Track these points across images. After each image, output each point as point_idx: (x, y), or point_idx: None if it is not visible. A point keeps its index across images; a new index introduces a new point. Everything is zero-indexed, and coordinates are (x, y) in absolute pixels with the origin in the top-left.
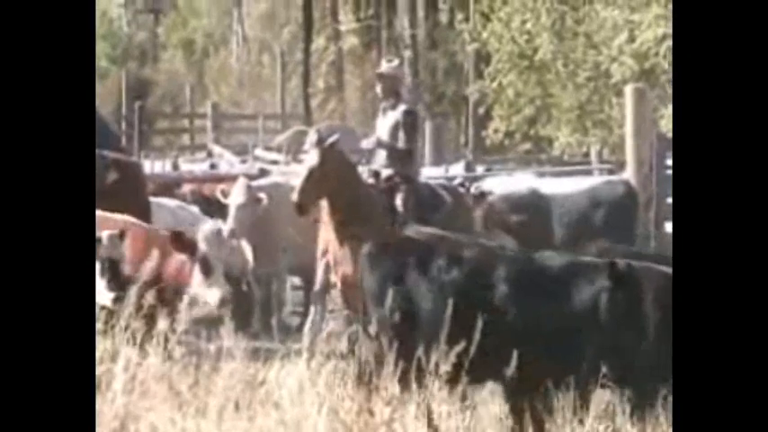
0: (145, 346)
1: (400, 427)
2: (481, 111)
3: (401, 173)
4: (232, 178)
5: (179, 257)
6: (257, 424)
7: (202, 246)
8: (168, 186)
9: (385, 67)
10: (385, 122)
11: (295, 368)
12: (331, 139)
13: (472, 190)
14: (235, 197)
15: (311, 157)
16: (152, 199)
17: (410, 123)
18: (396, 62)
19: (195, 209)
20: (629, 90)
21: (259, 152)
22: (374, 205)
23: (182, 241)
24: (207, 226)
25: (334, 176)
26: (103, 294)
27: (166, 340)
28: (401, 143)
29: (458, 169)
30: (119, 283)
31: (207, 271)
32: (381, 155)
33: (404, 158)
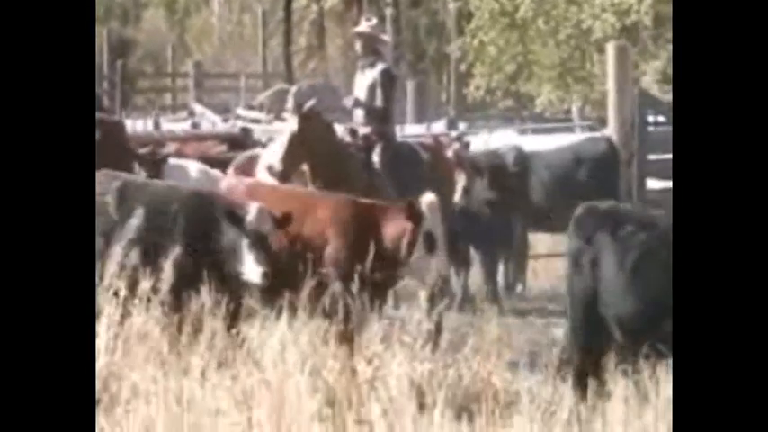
0: (127, 305)
1: (382, 385)
2: (463, 68)
3: (378, 131)
4: (213, 137)
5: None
6: (240, 383)
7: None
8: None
9: (363, 25)
10: (362, 81)
11: (277, 327)
12: (308, 104)
13: (454, 146)
14: None
15: (290, 124)
16: (174, 161)
17: (387, 82)
18: (374, 20)
19: (217, 172)
20: (610, 47)
21: (241, 111)
22: (352, 165)
23: (412, 211)
24: (429, 197)
25: (313, 141)
26: (252, 270)
27: (149, 300)
28: (378, 102)
29: (440, 127)
30: (267, 257)
31: (431, 245)
32: (359, 113)
33: (381, 117)
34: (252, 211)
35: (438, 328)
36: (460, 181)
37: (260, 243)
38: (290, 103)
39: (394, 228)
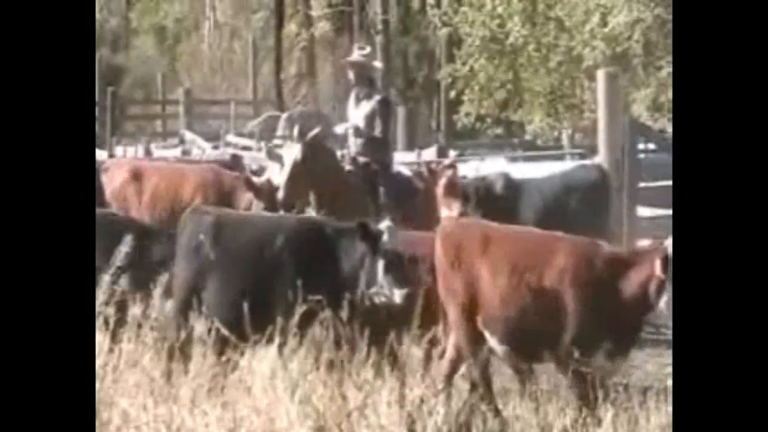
0: (117, 332)
1: (373, 412)
2: (453, 95)
3: (378, 160)
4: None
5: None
6: (229, 410)
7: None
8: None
9: (356, 55)
10: (359, 111)
11: (267, 354)
12: (313, 132)
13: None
14: None
15: (293, 152)
16: None
17: (386, 112)
18: (367, 50)
19: None
20: (600, 74)
21: (231, 138)
22: (358, 194)
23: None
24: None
25: (318, 169)
26: (392, 293)
27: (139, 326)
28: (377, 132)
29: (430, 154)
30: (405, 277)
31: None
32: (357, 142)
33: (380, 146)
34: (384, 229)
35: (428, 356)
36: (454, 210)
37: (398, 263)
38: (280, 131)
39: (639, 274)
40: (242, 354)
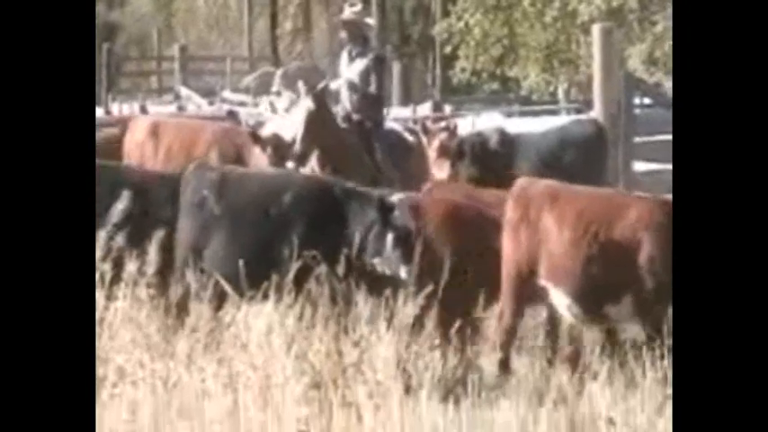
0: (113, 288)
1: (369, 368)
2: (448, 51)
3: (371, 117)
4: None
5: None
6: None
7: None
8: None
9: (348, 12)
10: (354, 68)
11: (262, 310)
12: (321, 85)
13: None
14: None
15: (306, 104)
16: None
17: (380, 69)
18: (358, 5)
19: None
20: (596, 29)
21: (227, 94)
22: (357, 151)
23: None
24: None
25: (324, 123)
26: (399, 268)
27: (135, 283)
28: (372, 88)
29: (425, 109)
30: (411, 253)
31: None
32: (351, 98)
33: (373, 103)
34: (397, 202)
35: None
36: (444, 171)
37: (406, 238)
38: (275, 86)
39: None
40: (238, 309)
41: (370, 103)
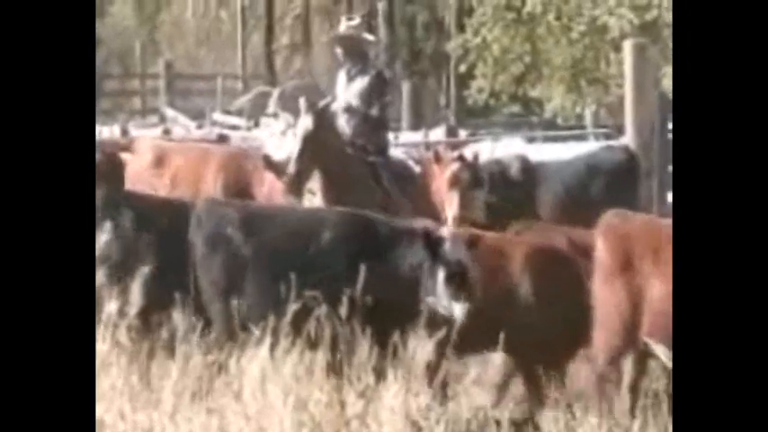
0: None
1: (374, 421)
2: (463, 69)
3: (374, 143)
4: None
5: None
6: (216, 417)
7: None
8: None
9: (344, 27)
10: (353, 88)
11: (257, 354)
12: (323, 102)
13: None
14: None
15: (304, 122)
16: None
17: (382, 88)
18: (356, 20)
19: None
20: (628, 45)
21: (217, 116)
22: (363, 176)
23: None
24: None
25: (325, 144)
26: (452, 307)
27: (115, 326)
28: (374, 110)
29: (438, 134)
30: (467, 292)
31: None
32: (350, 123)
33: (376, 127)
34: (447, 234)
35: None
36: (454, 207)
37: (460, 275)
38: (271, 107)
39: None
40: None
41: (372, 127)
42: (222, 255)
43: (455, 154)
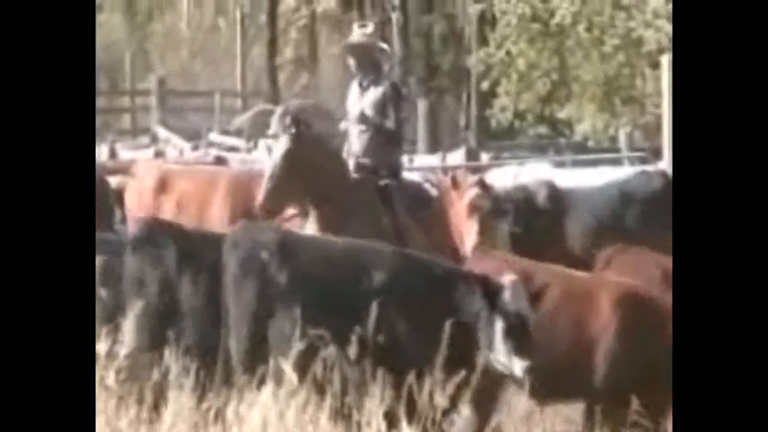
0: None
1: None
2: (485, 86)
3: (387, 162)
4: None
5: None
6: None
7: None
8: None
9: (356, 35)
10: (366, 98)
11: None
12: (304, 122)
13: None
14: None
15: (279, 145)
16: None
17: (399, 100)
18: (369, 27)
19: None
20: (665, 60)
21: (214, 137)
22: (366, 203)
23: None
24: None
25: (311, 169)
26: (512, 362)
27: (103, 368)
28: (390, 123)
29: (457, 157)
30: (528, 347)
31: None
32: (362, 137)
33: (390, 143)
34: (507, 284)
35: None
36: (473, 236)
37: (520, 328)
38: (273, 127)
39: None
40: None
41: (386, 141)
42: (256, 281)
43: (475, 179)
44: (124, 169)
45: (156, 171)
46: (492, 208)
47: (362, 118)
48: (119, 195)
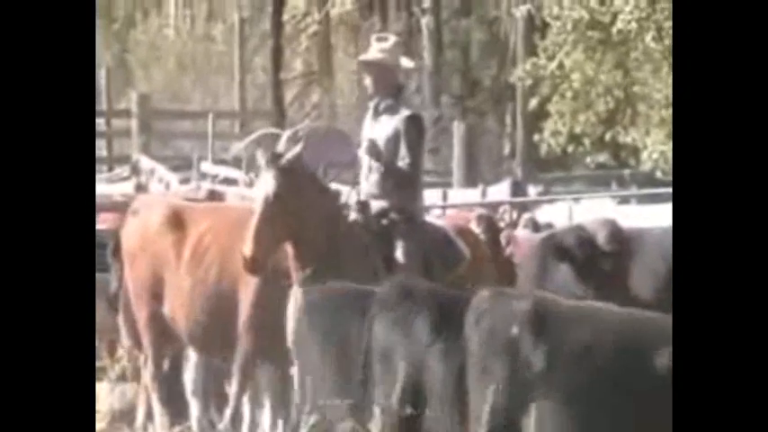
0: None
1: None
2: (534, 105)
3: (399, 206)
4: None
5: None
6: None
7: None
8: None
9: (373, 50)
10: (379, 131)
11: None
12: (290, 154)
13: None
14: None
15: (264, 184)
16: None
17: (415, 134)
18: (390, 42)
19: None
20: None
21: (207, 167)
22: (361, 251)
23: None
24: None
25: (298, 208)
26: None
27: None
28: (404, 162)
29: (501, 192)
30: None
31: None
32: (371, 176)
33: (404, 184)
34: None
35: None
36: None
37: None
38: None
39: None
40: None
41: (398, 183)
42: (509, 359)
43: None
44: (115, 206)
45: (163, 208)
46: (543, 252)
47: (372, 149)
48: (114, 238)
